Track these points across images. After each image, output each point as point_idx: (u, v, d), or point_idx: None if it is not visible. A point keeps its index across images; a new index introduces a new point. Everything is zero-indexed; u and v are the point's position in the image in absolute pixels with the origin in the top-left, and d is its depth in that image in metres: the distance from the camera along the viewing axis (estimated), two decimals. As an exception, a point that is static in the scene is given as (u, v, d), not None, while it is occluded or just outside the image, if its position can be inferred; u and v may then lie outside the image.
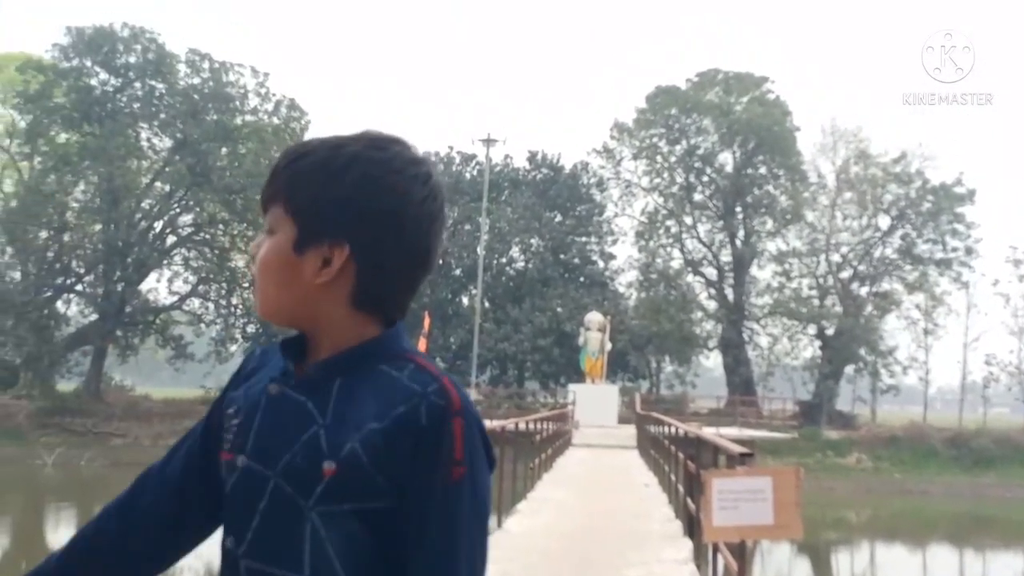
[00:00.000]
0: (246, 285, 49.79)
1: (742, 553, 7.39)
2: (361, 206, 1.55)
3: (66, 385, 50.79)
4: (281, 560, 1.49)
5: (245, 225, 49.98)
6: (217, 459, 1.64)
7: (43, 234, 49.74)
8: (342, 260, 1.55)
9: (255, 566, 1.51)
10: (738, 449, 8.04)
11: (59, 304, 51.35)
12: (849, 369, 56.42)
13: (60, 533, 28.30)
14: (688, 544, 12.01)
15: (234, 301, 52.93)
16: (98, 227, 49.92)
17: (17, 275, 50.39)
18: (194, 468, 1.68)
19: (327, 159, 1.58)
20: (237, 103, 52.17)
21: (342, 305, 1.58)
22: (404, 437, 1.47)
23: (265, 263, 1.59)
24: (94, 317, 51.34)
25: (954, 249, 55.95)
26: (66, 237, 49.46)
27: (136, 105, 50.86)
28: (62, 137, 49.99)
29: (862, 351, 54.79)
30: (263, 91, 53.06)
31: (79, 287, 51.74)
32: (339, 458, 1.48)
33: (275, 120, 52.50)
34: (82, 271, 50.98)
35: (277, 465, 1.52)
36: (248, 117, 52.07)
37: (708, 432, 15.23)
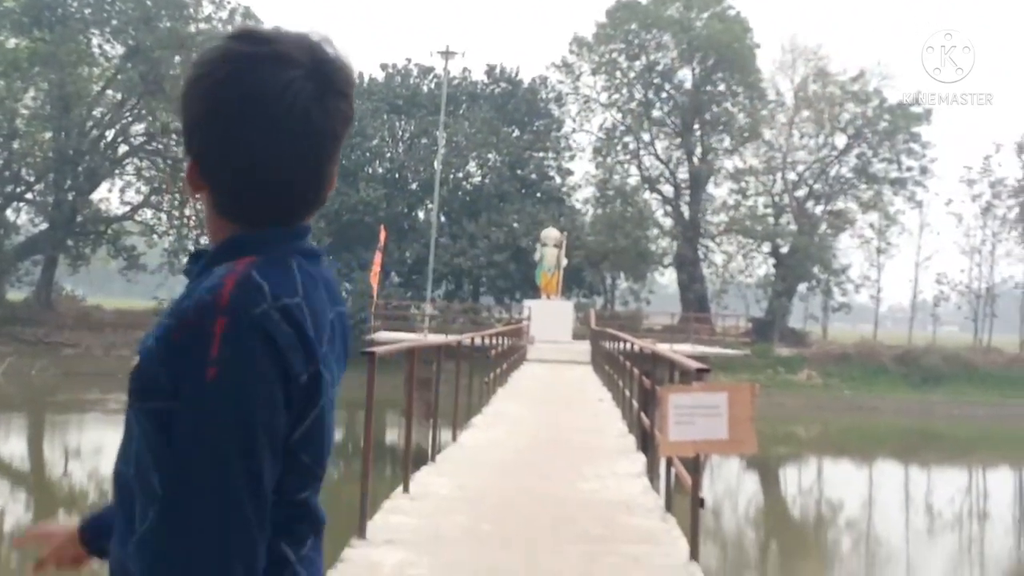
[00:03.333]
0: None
1: (696, 467, 7.44)
2: (185, 120, 1.57)
3: (16, 294, 50.30)
4: (126, 457, 1.51)
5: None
6: None
7: (-9, 141, 48.85)
8: (192, 174, 1.57)
9: (116, 467, 1.55)
10: (694, 365, 8.06)
11: (9, 212, 50.52)
12: (802, 287, 56.95)
13: (11, 443, 28.19)
14: (641, 458, 12.10)
15: (187, 212, 52.04)
16: (49, 135, 49.07)
17: (-35, 183, 49.58)
18: None
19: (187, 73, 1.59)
20: (191, 10, 51.21)
21: (213, 213, 1.59)
22: (179, 332, 1.43)
23: None
24: (44, 226, 50.68)
25: (909, 169, 56.33)
26: (16, 144, 48.52)
27: (87, 11, 49.82)
28: (11, 42, 48.66)
29: (815, 269, 55.24)
30: (217, -2, 52.14)
31: (29, 195, 51.01)
32: (141, 352, 1.48)
33: (229, 28, 51.31)
34: (32, 179, 50.22)
35: None
36: (202, 25, 51.07)
37: (663, 348, 15.29)
